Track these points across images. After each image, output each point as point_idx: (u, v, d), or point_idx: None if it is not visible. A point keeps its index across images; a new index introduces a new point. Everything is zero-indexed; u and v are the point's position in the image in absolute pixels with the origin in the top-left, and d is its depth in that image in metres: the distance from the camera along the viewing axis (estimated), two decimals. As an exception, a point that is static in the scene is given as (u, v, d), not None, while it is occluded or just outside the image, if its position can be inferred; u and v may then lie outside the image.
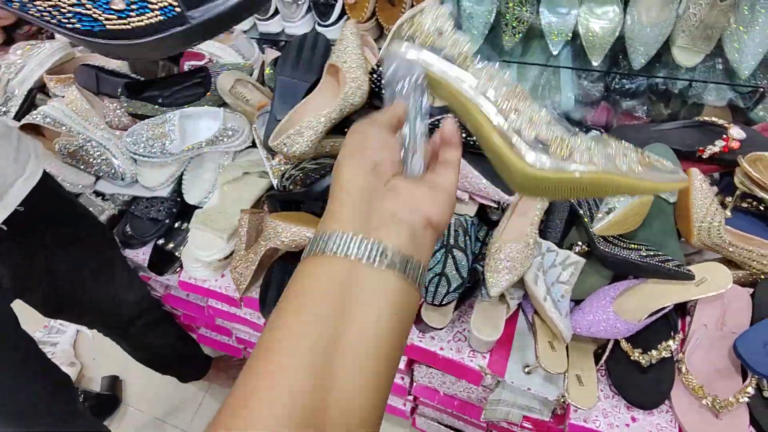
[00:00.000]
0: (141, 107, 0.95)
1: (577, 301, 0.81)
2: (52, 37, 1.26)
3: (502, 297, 0.80)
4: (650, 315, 0.74)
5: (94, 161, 0.97)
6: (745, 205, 0.82)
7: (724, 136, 0.82)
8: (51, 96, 1.15)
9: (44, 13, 0.29)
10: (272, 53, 1.18)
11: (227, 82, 0.93)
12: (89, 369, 1.54)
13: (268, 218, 0.76)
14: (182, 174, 1.00)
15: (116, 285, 0.93)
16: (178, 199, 1.00)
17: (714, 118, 0.86)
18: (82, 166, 1.00)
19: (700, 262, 0.81)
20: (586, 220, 0.76)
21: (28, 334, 0.80)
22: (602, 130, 1.02)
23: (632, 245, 0.74)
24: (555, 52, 1.01)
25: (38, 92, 1.15)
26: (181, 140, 0.92)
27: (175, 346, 1.18)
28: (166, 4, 0.28)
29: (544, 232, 0.84)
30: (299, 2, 1.16)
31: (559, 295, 0.75)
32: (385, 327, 0.27)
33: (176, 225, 1.00)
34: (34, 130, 1.01)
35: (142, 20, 0.29)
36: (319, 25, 1.18)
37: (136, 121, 1.02)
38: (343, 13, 1.16)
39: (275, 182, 0.90)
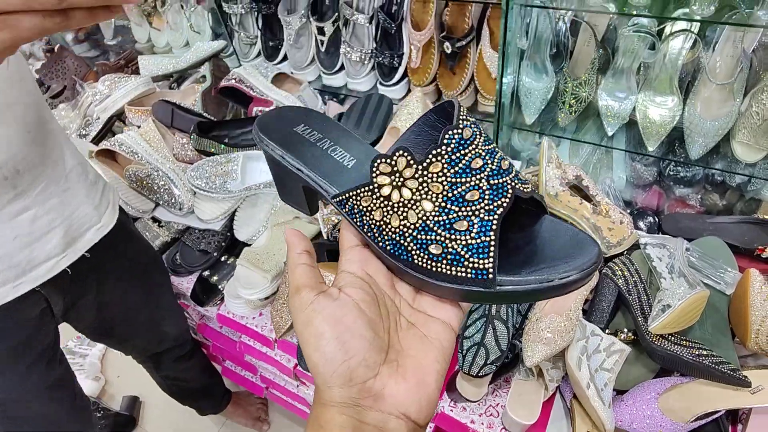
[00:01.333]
0: (208, 145, 1.02)
1: (618, 392, 0.78)
2: (136, 72, 1.38)
3: (540, 377, 0.78)
4: (698, 417, 0.70)
5: (158, 189, 1.03)
6: (806, 312, 0.78)
7: (786, 238, 0.79)
8: (127, 125, 1.25)
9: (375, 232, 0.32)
10: (334, 106, 1.24)
11: (292, 131, 0.98)
12: (112, 386, 1.56)
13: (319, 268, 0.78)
14: (235, 210, 1.04)
15: (161, 317, 0.95)
16: (229, 233, 1.05)
17: (773, 218, 0.84)
18: (145, 192, 1.06)
19: (754, 366, 0.77)
20: (636, 312, 0.74)
21: (64, 355, 0.82)
22: (653, 215, 1.00)
23: (683, 341, 0.71)
24: (610, 134, 1.03)
25: (116, 120, 1.25)
26: (241, 180, 0.97)
27: (200, 378, 1.19)
28: (482, 267, 0.28)
29: (589, 313, 0.82)
30: (365, 62, 1.23)
31: (602, 384, 0.72)
32: None
33: (223, 258, 1.03)
34: (109, 155, 1.09)
35: (450, 269, 0.29)
36: (381, 84, 1.24)
37: (202, 156, 1.09)
38: (404, 75, 1.23)
39: (324, 230, 0.93)
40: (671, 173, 1.04)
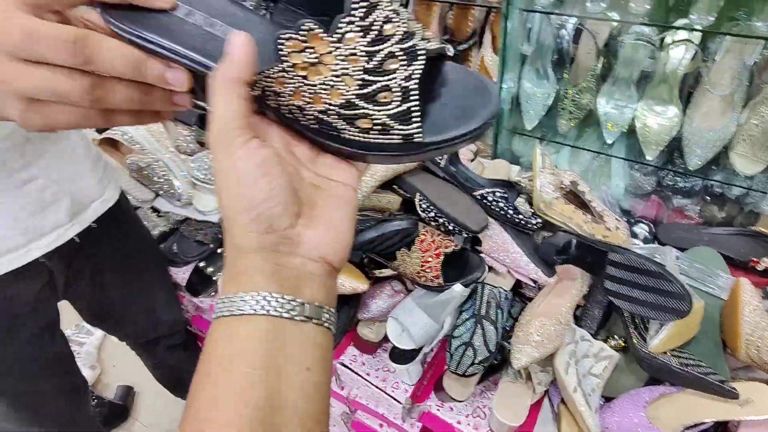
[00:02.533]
0: (210, 138, 1.03)
1: (606, 399, 0.77)
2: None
3: (528, 380, 0.77)
4: (686, 428, 0.69)
5: (158, 179, 1.04)
6: (800, 326, 0.77)
7: (781, 250, 0.79)
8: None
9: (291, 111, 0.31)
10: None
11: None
12: (107, 375, 1.57)
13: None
14: (234, 204, 1.05)
15: (157, 303, 0.97)
16: (226, 226, 1.05)
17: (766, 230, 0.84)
18: (145, 182, 1.07)
19: (746, 378, 0.77)
20: (627, 320, 0.74)
21: (65, 337, 0.84)
22: (650, 224, 1.00)
23: (673, 351, 0.71)
24: (609, 142, 1.03)
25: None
26: (240, 173, 0.98)
27: (193, 369, 1.19)
28: (409, 133, 0.30)
29: (579, 318, 0.82)
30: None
31: (589, 389, 0.72)
32: (316, 378, 0.28)
33: (219, 250, 1.04)
34: (111, 144, 1.11)
35: (379, 138, 0.30)
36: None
37: (203, 148, 1.10)
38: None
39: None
40: (670, 183, 1.03)
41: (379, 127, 0.30)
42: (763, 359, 0.68)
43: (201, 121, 1.04)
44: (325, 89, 0.29)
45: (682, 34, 0.90)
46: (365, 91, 0.29)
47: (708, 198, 1.04)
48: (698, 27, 0.86)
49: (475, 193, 0.86)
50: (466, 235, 0.83)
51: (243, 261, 0.29)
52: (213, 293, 1.02)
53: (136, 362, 1.16)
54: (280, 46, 0.28)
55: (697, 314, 0.71)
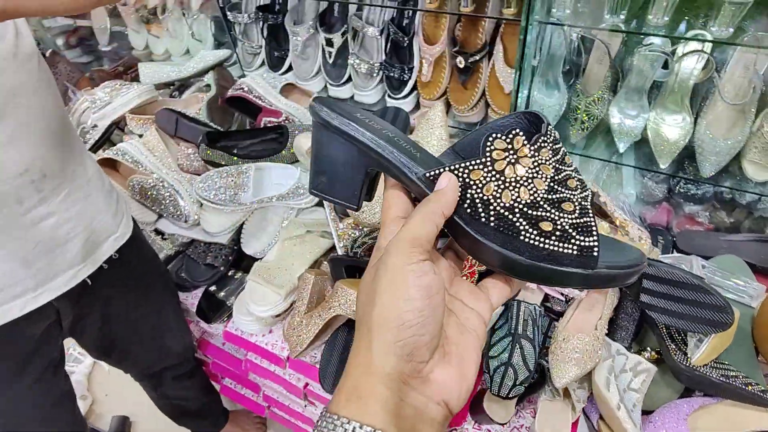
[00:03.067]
0: (218, 156, 0.98)
1: (643, 412, 0.76)
2: (135, 79, 1.34)
3: (567, 398, 0.76)
4: (728, 439, 0.69)
5: (163, 200, 0.99)
6: (823, 330, 0.79)
7: (803, 256, 0.80)
8: (126, 133, 1.20)
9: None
10: (342, 117, 1.22)
11: (306, 143, 0.96)
12: (100, 404, 1.49)
13: (338, 284, 0.75)
14: (243, 223, 1.01)
15: (167, 334, 0.91)
16: (236, 247, 1.01)
17: (789, 237, 0.86)
18: (149, 204, 1.02)
19: (776, 385, 0.78)
20: (662, 331, 0.73)
21: (68, 375, 0.79)
22: (666, 231, 1.01)
23: (711, 362, 0.71)
24: (621, 150, 1.03)
25: (115, 128, 1.20)
26: (253, 192, 0.94)
27: (200, 398, 1.14)
28: (588, 245, 0.30)
29: (612, 331, 0.81)
30: (373, 74, 1.22)
31: (631, 404, 0.71)
32: None
33: (230, 273, 1.00)
34: (109, 164, 1.05)
35: (558, 246, 0.30)
36: (390, 96, 1.23)
37: (207, 167, 1.06)
38: (413, 89, 1.22)
39: (339, 245, 0.90)
40: (682, 190, 1.05)
41: (559, 233, 0.30)
42: (801, 367, 0.69)
43: (208, 139, 1.00)
44: (515, 185, 0.31)
45: (694, 45, 0.91)
46: (552, 196, 0.30)
47: (717, 204, 1.06)
48: (709, 38, 0.87)
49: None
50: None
51: (369, 381, 0.26)
52: (226, 318, 0.97)
53: (130, 391, 1.10)
54: (487, 142, 0.31)
55: (734, 325, 0.71)
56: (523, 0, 0.84)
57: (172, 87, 1.33)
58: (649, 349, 0.79)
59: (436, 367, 0.28)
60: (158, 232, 1.04)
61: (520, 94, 1.01)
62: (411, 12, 1.12)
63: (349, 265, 0.85)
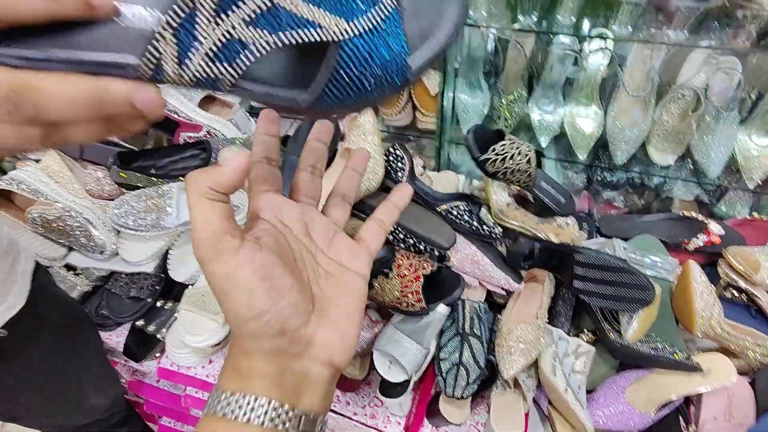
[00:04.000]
0: (134, 178, 0.90)
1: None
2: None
3: (517, 388, 0.78)
4: (662, 407, 0.75)
5: (72, 232, 0.89)
6: (728, 295, 0.88)
7: (706, 230, 0.89)
8: (21, 159, 1.07)
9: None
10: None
11: (232, 157, 0.90)
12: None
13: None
14: (169, 249, 0.93)
15: (89, 388, 0.78)
16: (163, 275, 0.93)
17: (692, 213, 0.94)
18: (54, 237, 0.91)
19: (695, 349, 0.85)
20: (597, 314, 0.78)
21: None
22: (587, 217, 1.08)
23: (642, 338, 0.76)
24: (544, 145, 1.09)
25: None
26: (177, 214, 0.87)
27: (138, 443, 1.04)
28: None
29: (551, 318, 0.85)
30: (298, 81, 1.18)
31: (576, 386, 0.74)
32: None
33: (159, 304, 0.91)
34: (3, 196, 0.92)
35: None
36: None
37: (120, 190, 0.97)
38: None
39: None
40: (599, 178, 1.12)
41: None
42: (716, 332, 0.76)
43: (121, 160, 0.91)
44: None
45: (599, 43, 0.98)
46: None
47: (630, 189, 1.15)
48: (611, 35, 0.95)
49: (438, 209, 0.85)
50: (437, 253, 0.82)
51: (247, 360, 0.27)
52: (158, 354, 0.89)
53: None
54: None
55: (656, 299, 0.77)
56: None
57: (72, 105, 1.20)
58: (586, 331, 0.84)
59: (318, 328, 0.29)
60: (69, 267, 0.93)
61: (446, 96, 1.03)
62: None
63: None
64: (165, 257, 0.93)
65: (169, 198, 0.87)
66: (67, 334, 0.72)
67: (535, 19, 0.93)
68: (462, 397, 0.71)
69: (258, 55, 0.23)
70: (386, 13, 0.25)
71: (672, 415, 0.75)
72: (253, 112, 1.29)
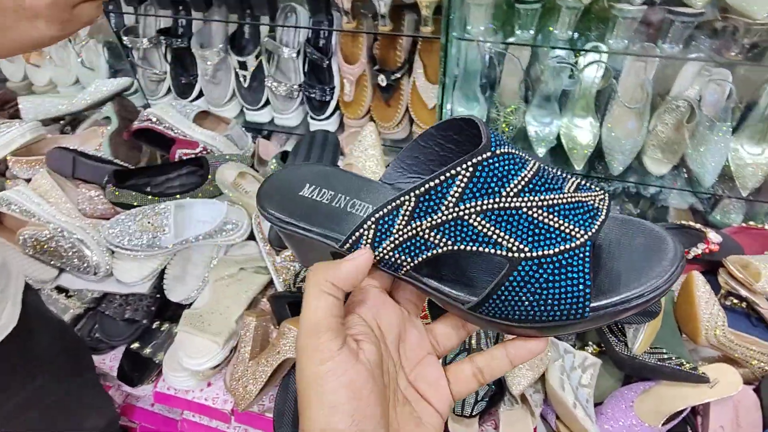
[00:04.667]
0: (129, 197, 0.88)
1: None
2: (16, 115, 1.17)
3: (525, 403, 0.77)
4: (669, 419, 0.74)
5: (64, 253, 0.87)
6: (728, 303, 0.88)
7: (705, 239, 0.90)
8: (9, 178, 1.04)
9: None
10: (264, 143, 1.17)
11: (230, 174, 0.89)
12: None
13: (284, 324, 0.70)
14: (165, 268, 0.91)
15: (83, 414, 0.75)
16: (159, 296, 0.91)
17: (691, 223, 0.95)
18: (46, 259, 0.88)
19: (699, 359, 0.85)
20: (605, 332, 0.77)
21: None
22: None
23: (648, 349, 0.76)
24: (541, 156, 1.09)
25: (-7, 173, 1.04)
26: (174, 233, 0.85)
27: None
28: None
29: (556, 331, 0.84)
30: (293, 96, 1.18)
31: (584, 400, 0.74)
32: None
33: (155, 326, 0.89)
34: (-10, 217, 0.90)
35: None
36: (312, 118, 1.20)
37: (114, 208, 0.94)
38: (336, 108, 1.20)
39: (278, 281, 0.85)
40: (595, 189, 1.13)
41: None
42: (720, 341, 0.76)
43: (116, 178, 0.89)
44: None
45: (593, 56, 1.00)
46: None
47: (626, 198, 1.16)
48: (605, 49, 0.96)
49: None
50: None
51: None
52: (154, 377, 0.86)
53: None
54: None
55: (661, 310, 0.77)
56: (439, 18, 0.86)
57: (61, 122, 1.18)
58: (591, 343, 0.83)
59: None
60: (61, 289, 0.91)
61: (444, 109, 1.03)
62: (327, 32, 1.10)
63: (293, 302, 0.80)
64: (161, 277, 0.91)
65: (165, 216, 0.85)
66: (65, 358, 0.69)
67: (532, 33, 0.94)
68: (471, 416, 0.69)
69: (435, 253, 0.27)
70: (573, 251, 0.26)
71: (680, 426, 0.75)
72: (249, 128, 1.28)
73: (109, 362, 0.88)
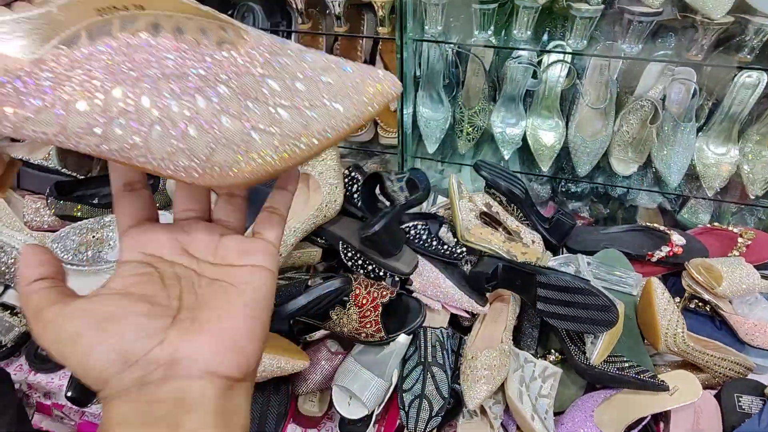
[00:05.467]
0: (75, 209, 0.84)
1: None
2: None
3: (484, 415, 0.75)
4: (630, 427, 0.73)
5: (7, 270, 0.83)
6: (692, 305, 0.87)
7: (669, 241, 0.88)
8: (-46, 189, 1.00)
9: None
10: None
11: (180, 183, 0.86)
12: None
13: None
14: (117, 281, 0.88)
15: None
16: (110, 310, 0.87)
17: (655, 225, 0.94)
18: (-12, 275, 0.84)
19: (662, 364, 0.84)
20: (562, 334, 0.76)
21: None
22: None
23: (608, 357, 0.74)
24: (506, 157, 1.07)
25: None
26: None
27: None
28: None
29: (517, 339, 0.83)
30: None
31: (543, 411, 0.72)
32: None
33: (106, 342, 0.86)
34: (-72, 232, 0.85)
35: None
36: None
37: (63, 221, 0.90)
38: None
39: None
40: (563, 189, 1.11)
41: None
42: (680, 347, 0.75)
43: (58, 190, 0.85)
44: None
45: (556, 56, 0.97)
46: None
47: (595, 199, 1.15)
48: (568, 49, 0.94)
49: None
50: (398, 278, 0.79)
51: (108, 414, 0.23)
52: (105, 396, 0.83)
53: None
54: None
55: (620, 317, 0.75)
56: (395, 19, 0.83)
57: (12, 129, 1.13)
58: (553, 351, 0.82)
59: (181, 342, 0.24)
60: (6, 306, 0.87)
61: (405, 111, 1.00)
62: (285, 33, 1.07)
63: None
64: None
65: (111, 229, 0.81)
66: None
67: (491, 33, 0.92)
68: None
69: None
70: None
71: (641, 435, 0.74)
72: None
73: (58, 381, 0.85)
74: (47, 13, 0.23)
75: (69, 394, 0.80)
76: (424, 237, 0.82)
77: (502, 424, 0.79)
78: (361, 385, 0.68)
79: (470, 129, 1.07)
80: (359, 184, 0.79)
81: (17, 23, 0.23)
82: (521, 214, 0.94)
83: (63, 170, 0.96)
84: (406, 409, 0.69)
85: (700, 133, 0.97)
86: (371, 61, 1.08)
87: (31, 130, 0.23)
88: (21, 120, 0.22)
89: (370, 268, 0.77)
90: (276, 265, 0.30)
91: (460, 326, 0.87)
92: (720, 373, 0.78)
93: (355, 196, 0.79)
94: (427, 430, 0.68)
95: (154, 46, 0.24)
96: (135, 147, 0.24)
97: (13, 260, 0.83)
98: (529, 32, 0.89)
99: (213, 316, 0.26)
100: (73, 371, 0.24)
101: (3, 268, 0.83)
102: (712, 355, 0.76)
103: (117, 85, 0.23)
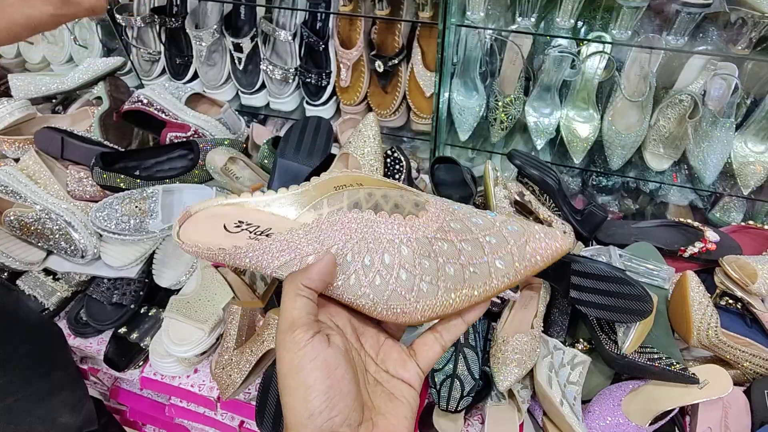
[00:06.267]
0: (117, 180, 0.86)
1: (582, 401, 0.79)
2: (6, 93, 1.15)
3: (512, 399, 0.76)
4: (657, 419, 0.73)
5: (51, 235, 0.85)
6: (723, 303, 0.87)
7: (703, 238, 0.88)
8: (-2, 157, 1.03)
9: None
10: (258, 128, 1.15)
11: (220, 159, 0.87)
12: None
13: (270, 314, 0.69)
14: (154, 253, 0.90)
15: (59, 409, 0.74)
16: (147, 280, 0.90)
17: (689, 221, 0.93)
18: (33, 240, 0.87)
19: (691, 359, 0.84)
20: (593, 323, 0.76)
21: None
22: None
23: (638, 348, 0.74)
24: (539, 147, 1.07)
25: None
26: (162, 218, 0.84)
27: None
28: None
29: (546, 327, 0.83)
30: (289, 80, 1.16)
31: (572, 398, 0.73)
32: None
33: (143, 311, 0.88)
34: (-24, 196, 0.88)
35: None
36: (308, 103, 1.17)
37: (103, 191, 0.93)
38: (332, 94, 1.17)
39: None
40: (594, 182, 1.11)
41: None
42: (712, 341, 0.75)
43: (103, 161, 0.87)
44: None
45: (596, 46, 0.97)
46: None
47: (625, 193, 1.14)
48: (608, 39, 0.93)
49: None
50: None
51: None
52: (141, 362, 0.86)
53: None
54: None
55: (653, 308, 0.76)
56: (438, 3, 0.83)
57: (53, 101, 1.16)
58: (581, 340, 0.82)
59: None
60: (48, 271, 0.90)
61: (441, 97, 1.01)
62: (324, 15, 1.07)
63: (281, 291, 0.78)
64: (150, 262, 0.90)
65: (154, 201, 0.83)
66: (29, 361, 0.68)
67: (533, 21, 0.91)
68: (456, 411, 0.69)
69: None
70: None
71: (667, 426, 0.74)
72: (245, 112, 1.26)
73: (96, 346, 0.87)
74: (305, 191, 0.35)
75: (108, 355, 0.83)
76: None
77: (528, 409, 0.80)
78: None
79: (504, 117, 1.07)
80: (400, 164, 0.80)
81: (294, 196, 0.35)
82: (553, 205, 0.94)
83: (104, 142, 0.98)
84: (438, 388, 0.71)
85: (738, 130, 0.96)
86: (408, 47, 1.08)
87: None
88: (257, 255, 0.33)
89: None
90: (420, 387, 0.33)
91: (488, 312, 0.88)
92: (750, 370, 0.77)
93: (397, 176, 0.80)
94: (458, 408, 0.69)
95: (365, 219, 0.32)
96: (337, 288, 0.32)
97: (57, 227, 0.86)
98: (572, 20, 0.88)
99: (386, 424, 0.29)
100: (288, 405, 0.27)
101: (48, 234, 0.85)
102: (743, 351, 0.76)
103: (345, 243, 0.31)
